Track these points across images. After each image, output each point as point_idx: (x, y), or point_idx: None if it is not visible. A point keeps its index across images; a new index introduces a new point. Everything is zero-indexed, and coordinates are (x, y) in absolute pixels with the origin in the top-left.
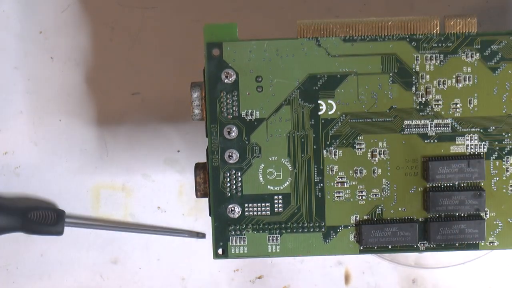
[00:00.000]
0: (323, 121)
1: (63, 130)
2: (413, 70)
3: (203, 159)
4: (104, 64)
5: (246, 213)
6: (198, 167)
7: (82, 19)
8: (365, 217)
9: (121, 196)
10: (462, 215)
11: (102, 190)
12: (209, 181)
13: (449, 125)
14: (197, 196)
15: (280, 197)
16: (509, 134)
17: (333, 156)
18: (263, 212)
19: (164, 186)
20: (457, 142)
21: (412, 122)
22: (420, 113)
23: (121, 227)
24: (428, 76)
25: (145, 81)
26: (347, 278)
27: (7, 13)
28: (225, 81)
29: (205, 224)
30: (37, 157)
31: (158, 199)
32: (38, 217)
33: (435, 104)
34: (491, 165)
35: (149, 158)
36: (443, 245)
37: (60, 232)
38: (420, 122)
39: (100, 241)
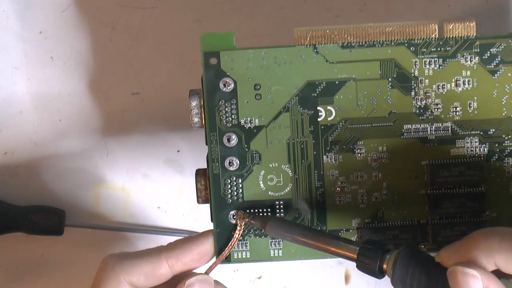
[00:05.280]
0: (322, 127)
1: (63, 130)
2: (412, 74)
3: (203, 158)
4: (104, 64)
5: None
6: (199, 173)
7: (82, 19)
8: (366, 221)
9: (121, 196)
10: (463, 217)
11: (102, 190)
12: (210, 188)
13: (449, 129)
14: (198, 202)
15: (281, 202)
16: (509, 136)
17: (333, 161)
18: None
19: (164, 186)
20: (457, 145)
21: (411, 126)
22: (420, 117)
23: (121, 227)
24: (427, 81)
25: (145, 81)
26: (347, 278)
27: (7, 13)
28: (224, 89)
29: (205, 224)
30: (37, 157)
31: (158, 199)
32: (38, 217)
33: (434, 108)
34: (492, 167)
35: (149, 158)
36: None
37: (60, 232)
38: (420, 126)
39: (100, 241)
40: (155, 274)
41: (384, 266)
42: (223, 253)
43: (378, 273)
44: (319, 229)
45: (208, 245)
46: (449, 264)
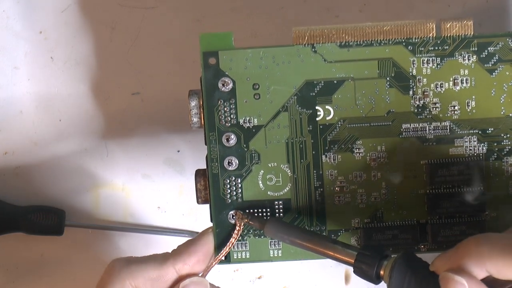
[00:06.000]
0: (321, 126)
1: (63, 130)
2: (410, 74)
3: (203, 158)
4: (104, 64)
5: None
6: (199, 174)
7: (82, 19)
8: (365, 221)
9: (121, 196)
10: (462, 217)
11: (102, 190)
12: (210, 188)
13: (448, 128)
14: (198, 202)
15: (280, 202)
16: (508, 135)
17: (332, 161)
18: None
19: (164, 186)
20: (456, 144)
21: (410, 125)
22: (418, 116)
23: (121, 227)
24: (425, 80)
25: (145, 81)
26: (347, 278)
27: (7, 13)
28: (222, 89)
29: (205, 224)
30: (37, 157)
31: (158, 199)
32: (38, 217)
33: (433, 107)
34: (491, 166)
35: (149, 158)
36: (444, 247)
37: (60, 232)
38: (419, 125)
39: (100, 241)
40: (161, 279)
41: (381, 272)
42: (219, 254)
43: (375, 279)
44: (318, 229)
45: (211, 244)
46: (442, 272)
